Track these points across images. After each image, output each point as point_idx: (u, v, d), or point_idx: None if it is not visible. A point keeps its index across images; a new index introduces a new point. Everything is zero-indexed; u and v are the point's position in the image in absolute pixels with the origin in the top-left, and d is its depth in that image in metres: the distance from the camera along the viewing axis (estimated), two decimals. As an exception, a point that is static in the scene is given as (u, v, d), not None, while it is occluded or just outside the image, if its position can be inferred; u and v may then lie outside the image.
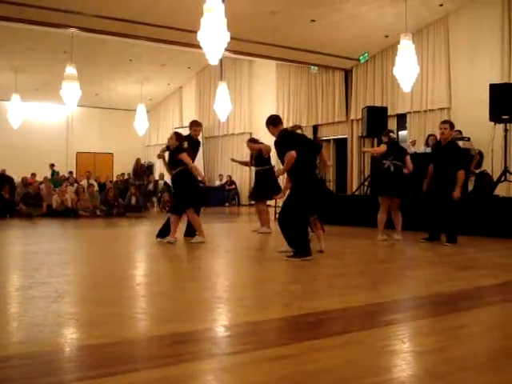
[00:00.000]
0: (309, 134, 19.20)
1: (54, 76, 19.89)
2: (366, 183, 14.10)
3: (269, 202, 10.64)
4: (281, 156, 6.98)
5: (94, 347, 3.14)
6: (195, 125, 9.47)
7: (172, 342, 3.26)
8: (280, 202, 9.47)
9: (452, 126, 8.91)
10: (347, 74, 19.02)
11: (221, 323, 3.81)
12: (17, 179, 18.70)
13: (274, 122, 7.23)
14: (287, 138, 7.06)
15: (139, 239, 9.32)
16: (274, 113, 7.86)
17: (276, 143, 7.09)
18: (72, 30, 15.21)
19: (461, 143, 11.64)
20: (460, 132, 12.35)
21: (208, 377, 2.81)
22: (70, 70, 17.14)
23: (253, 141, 10.58)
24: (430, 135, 13.24)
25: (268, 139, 8.23)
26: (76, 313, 4.09)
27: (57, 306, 4.21)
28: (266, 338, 3.46)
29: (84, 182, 18.97)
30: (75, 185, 18.38)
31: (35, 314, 3.89)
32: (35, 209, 15.63)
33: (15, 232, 11.97)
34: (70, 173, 22.43)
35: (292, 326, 3.71)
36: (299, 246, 6.67)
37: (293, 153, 6.74)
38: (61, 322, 3.73)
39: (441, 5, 14.69)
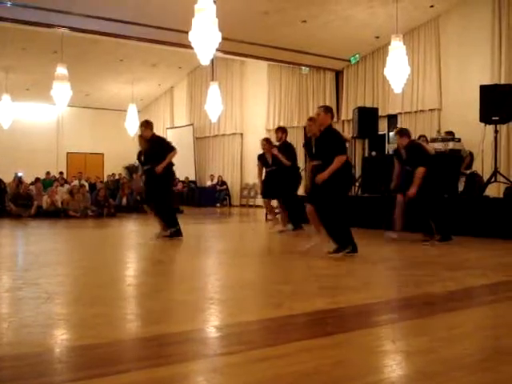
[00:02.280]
0: (299, 135, 19.25)
1: (44, 76, 19.82)
2: (358, 184, 14.12)
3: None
4: (324, 153, 6.97)
5: (85, 348, 3.13)
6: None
7: (162, 343, 3.25)
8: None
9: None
10: (338, 74, 19.05)
11: (211, 324, 3.81)
12: (6, 179, 18.62)
13: (332, 112, 7.28)
14: (341, 138, 7.10)
15: (129, 240, 9.29)
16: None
17: (328, 138, 7.03)
18: (62, 29, 15.16)
19: (451, 144, 11.70)
20: (452, 133, 12.39)
21: (198, 378, 2.81)
22: (61, 70, 17.09)
23: (269, 142, 10.99)
24: (420, 136, 13.27)
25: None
26: (66, 314, 4.07)
27: (47, 306, 4.19)
28: (256, 338, 3.46)
29: (76, 183, 18.91)
30: (66, 185, 18.31)
31: (25, 315, 3.87)
32: (25, 209, 15.55)
33: (4, 232, 11.91)
34: (61, 173, 22.35)
35: (283, 327, 3.71)
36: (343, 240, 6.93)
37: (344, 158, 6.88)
38: (51, 322, 3.71)
39: (431, 6, 14.74)
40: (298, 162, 11.04)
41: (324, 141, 7.03)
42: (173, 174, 9.47)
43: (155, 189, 8.98)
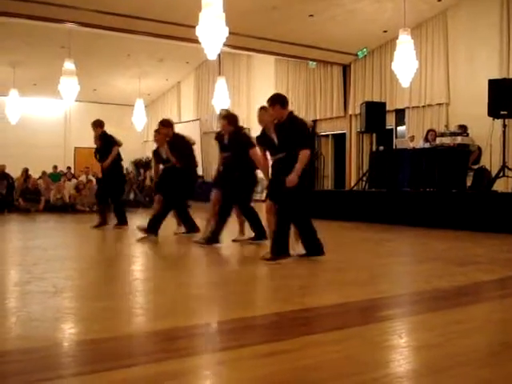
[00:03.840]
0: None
1: (52, 71, 19.83)
2: (365, 178, 14.09)
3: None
4: (285, 144, 6.25)
5: (92, 342, 3.14)
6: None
7: (169, 337, 3.26)
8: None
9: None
10: (345, 69, 18.97)
11: (217, 318, 3.81)
12: (14, 174, 18.70)
13: (283, 101, 6.34)
14: (307, 132, 6.43)
15: (136, 235, 9.26)
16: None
17: (285, 128, 6.29)
18: (70, 24, 15.16)
19: (459, 139, 11.67)
20: (465, 127, 12.32)
21: (206, 371, 2.81)
22: (69, 64, 17.12)
23: None
24: (429, 130, 13.24)
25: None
26: (74, 308, 4.08)
27: (55, 300, 4.20)
28: (263, 333, 3.46)
29: (83, 178, 18.96)
30: (73, 180, 18.37)
31: (33, 309, 3.89)
32: (33, 204, 15.61)
33: (13, 227, 11.97)
34: (68, 168, 22.40)
35: (290, 322, 3.71)
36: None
37: (308, 152, 6.14)
38: (59, 316, 3.72)
39: (439, 0, 14.66)
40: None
41: (287, 131, 6.31)
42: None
43: (175, 187, 9.03)
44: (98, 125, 10.32)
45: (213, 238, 7.65)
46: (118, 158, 10.34)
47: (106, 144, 10.17)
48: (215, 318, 3.81)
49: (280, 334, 3.39)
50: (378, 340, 3.25)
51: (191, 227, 9.20)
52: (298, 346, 3.09)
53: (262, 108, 7.05)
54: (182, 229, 9.36)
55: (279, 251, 6.12)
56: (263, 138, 6.89)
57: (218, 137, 8.39)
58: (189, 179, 9.10)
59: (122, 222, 10.41)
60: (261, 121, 7.04)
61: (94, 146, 10.49)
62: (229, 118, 8.01)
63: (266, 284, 5.13)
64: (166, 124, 9.29)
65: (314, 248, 6.31)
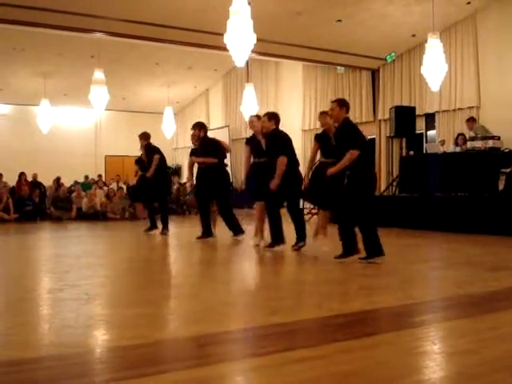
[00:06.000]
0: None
1: (82, 80, 20.10)
2: (395, 183, 13.99)
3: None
4: (342, 148, 6.51)
5: (125, 348, 3.16)
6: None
7: (201, 344, 3.26)
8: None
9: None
10: (374, 73, 18.89)
11: (250, 324, 3.81)
12: (46, 183, 18.98)
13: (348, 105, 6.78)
14: (358, 132, 6.68)
15: (167, 241, 9.36)
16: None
17: (344, 132, 6.61)
18: (99, 34, 15.34)
19: (491, 142, 11.52)
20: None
21: (236, 378, 2.81)
22: (98, 74, 17.30)
23: None
24: (459, 134, 13.11)
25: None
26: (106, 314, 4.11)
27: (87, 307, 4.24)
28: (295, 339, 3.45)
29: (114, 186, 19.15)
30: (105, 188, 18.56)
31: (66, 316, 3.93)
32: (65, 212, 15.79)
33: (45, 235, 12.12)
34: (99, 176, 22.64)
35: (322, 328, 3.70)
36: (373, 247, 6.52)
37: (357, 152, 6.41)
38: (91, 323, 3.76)
39: (468, 2, 14.52)
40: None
41: (342, 134, 6.68)
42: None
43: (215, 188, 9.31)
44: (141, 137, 11.14)
45: (277, 240, 7.79)
46: (162, 166, 10.78)
47: (149, 154, 10.69)
48: (246, 325, 3.81)
49: (310, 340, 3.38)
50: (410, 346, 3.22)
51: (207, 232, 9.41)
52: (329, 352, 3.08)
53: (323, 113, 7.71)
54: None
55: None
56: (322, 137, 7.65)
57: (251, 141, 8.38)
58: (223, 179, 9.43)
59: (165, 227, 10.72)
60: (324, 124, 7.69)
61: (134, 154, 10.96)
62: (269, 114, 8.05)
63: (298, 290, 5.12)
64: (197, 126, 9.67)
65: (376, 249, 6.45)
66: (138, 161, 11.31)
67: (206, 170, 9.36)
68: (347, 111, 6.70)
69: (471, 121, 12.99)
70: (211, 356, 3.01)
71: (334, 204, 6.79)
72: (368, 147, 6.99)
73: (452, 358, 3.04)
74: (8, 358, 2.95)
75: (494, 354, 3.06)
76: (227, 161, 10.12)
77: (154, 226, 10.95)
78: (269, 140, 7.90)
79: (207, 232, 9.36)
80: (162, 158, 10.81)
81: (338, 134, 6.75)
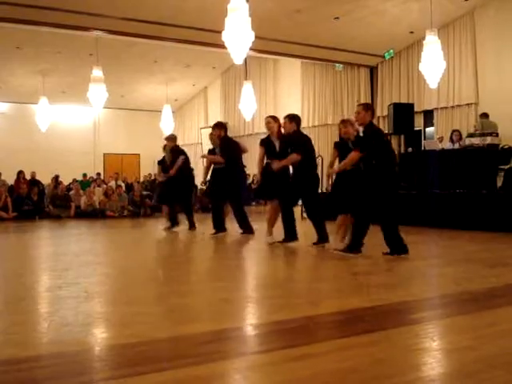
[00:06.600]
0: (334, 134, 19.14)
1: (80, 78, 20.09)
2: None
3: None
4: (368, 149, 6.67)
5: (124, 346, 3.16)
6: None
7: (200, 342, 3.26)
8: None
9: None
10: (372, 70, 18.91)
11: (248, 322, 3.81)
12: (45, 181, 18.96)
13: (373, 109, 7.05)
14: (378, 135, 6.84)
15: (166, 239, 9.36)
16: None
17: (370, 135, 6.75)
18: (97, 32, 15.33)
19: (489, 139, 11.52)
20: (486, 115, 12.36)
21: (235, 376, 2.81)
22: (97, 72, 17.31)
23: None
24: (453, 131, 13.15)
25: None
26: (106, 312, 4.12)
27: (87, 305, 4.24)
28: (293, 336, 3.45)
29: (112, 184, 19.13)
30: (103, 186, 18.55)
31: (65, 314, 3.93)
32: (64, 210, 15.79)
33: (44, 233, 12.11)
34: (98, 174, 22.63)
35: (320, 325, 3.70)
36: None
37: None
38: (91, 321, 3.76)
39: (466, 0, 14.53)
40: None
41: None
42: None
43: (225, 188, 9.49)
44: (169, 139, 11.39)
45: (290, 237, 7.90)
46: (186, 167, 11.04)
47: (175, 156, 10.91)
48: (246, 322, 3.82)
49: (310, 338, 3.37)
50: (409, 343, 3.22)
51: (219, 227, 9.57)
52: (328, 350, 3.08)
53: (344, 121, 7.77)
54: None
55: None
56: (341, 146, 7.65)
57: (266, 142, 8.39)
58: (235, 181, 9.53)
59: (193, 225, 10.99)
60: (345, 133, 7.57)
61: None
62: (290, 116, 8.03)
63: (296, 287, 5.12)
64: (218, 126, 9.83)
65: (400, 247, 6.64)
66: (161, 162, 11.56)
67: (221, 170, 9.49)
68: (372, 115, 6.85)
69: (483, 116, 13.02)
70: (211, 354, 3.00)
71: (356, 206, 6.90)
72: (388, 148, 7.00)
73: (451, 354, 3.04)
74: (7, 357, 2.95)
75: (492, 350, 3.06)
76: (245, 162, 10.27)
77: (175, 224, 11.09)
78: (286, 141, 7.98)
79: (219, 227, 9.56)
80: (187, 160, 11.08)
81: (364, 138, 6.88)
